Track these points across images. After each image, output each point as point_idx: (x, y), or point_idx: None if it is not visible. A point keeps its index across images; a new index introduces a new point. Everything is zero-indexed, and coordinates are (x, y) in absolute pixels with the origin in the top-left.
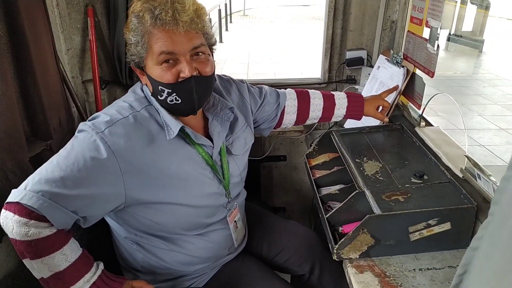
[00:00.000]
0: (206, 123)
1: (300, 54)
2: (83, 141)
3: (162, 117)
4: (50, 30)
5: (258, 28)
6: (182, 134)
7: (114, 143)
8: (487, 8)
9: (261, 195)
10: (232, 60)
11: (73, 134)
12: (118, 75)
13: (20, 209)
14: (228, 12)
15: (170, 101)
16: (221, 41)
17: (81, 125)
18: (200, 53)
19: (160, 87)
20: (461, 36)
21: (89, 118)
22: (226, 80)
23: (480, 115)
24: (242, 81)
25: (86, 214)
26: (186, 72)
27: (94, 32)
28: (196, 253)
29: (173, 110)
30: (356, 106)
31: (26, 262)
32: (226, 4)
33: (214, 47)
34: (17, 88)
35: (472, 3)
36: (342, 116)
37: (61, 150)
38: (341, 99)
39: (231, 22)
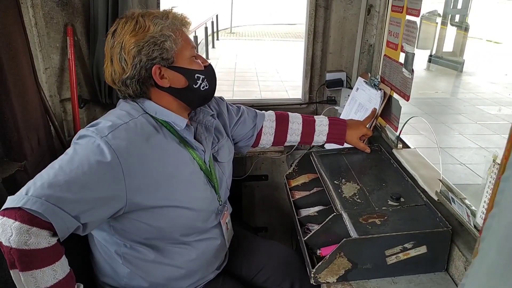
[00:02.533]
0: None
1: (286, 73)
2: (87, 146)
3: (163, 118)
4: (28, 49)
5: (245, 46)
6: (177, 139)
7: (118, 147)
8: (466, 29)
9: (243, 215)
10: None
11: (52, 153)
12: (97, 94)
13: (22, 215)
14: (215, 30)
15: (203, 87)
16: (207, 58)
17: (83, 131)
18: None
19: (197, 74)
20: (442, 57)
21: (88, 125)
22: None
23: (460, 134)
24: (221, 98)
25: (88, 220)
26: (207, 61)
27: (73, 51)
28: (185, 265)
29: (204, 98)
30: (338, 134)
31: (14, 273)
32: (212, 22)
33: None
34: None
35: (452, 24)
36: (322, 142)
37: (62, 156)
38: (322, 125)
39: (217, 39)
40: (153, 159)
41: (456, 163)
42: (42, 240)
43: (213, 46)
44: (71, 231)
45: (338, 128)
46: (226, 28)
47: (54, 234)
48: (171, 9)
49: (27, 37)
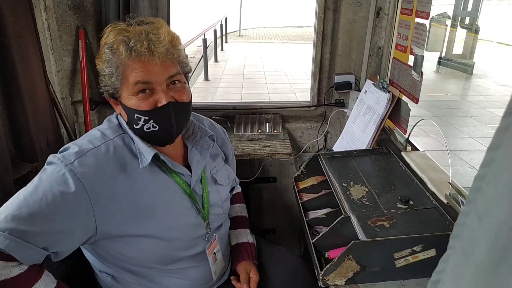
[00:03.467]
0: (186, 152)
1: (294, 75)
2: (52, 175)
3: (136, 145)
4: (40, 52)
5: (253, 48)
6: (158, 163)
7: (83, 175)
8: (476, 31)
9: (251, 217)
10: (225, 81)
11: None
12: None
13: None
14: (224, 32)
15: (147, 128)
16: (216, 60)
17: (50, 157)
18: (176, 82)
19: (136, 115)
20: (451, 59)
21: (60, 150)
22: (213, 122)
23: (470, 137)
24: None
25: (57, 249)
26: (163, 101)
27: (85, 53)
28: None
29: (150, 139)
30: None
31: None
32: (221, 25)
33: (189, 75)
34: (3, 110)
35: (461, 27)
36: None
37: (28, 185)
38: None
39: (226, 42)
40: (125, 188)
41: (466, 166)
42: (11, 269)
43: (222, 49)
44: (41, 260)
45: (247, 249)
46: (235, 31)
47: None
48: (129, 26)
49: (39, 40)
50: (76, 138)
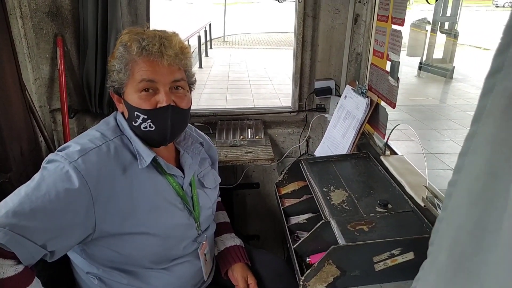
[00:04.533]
0: (177, 155)
1: (279, 80)
2: (55, 172)
3: (134, 146)
4: (15, 59)
5: (238, 54)
6: (154, 164)
7: (87, 172)
8: (455, 36)
9: (235, 224)
10: (210, 87)
11: (37, 164)
12: (88, 103)
13: None
14: (208, 39)
15: (144, 127)
16: (200, 66)
17: (51, 156)
18: (179, 88)
19: (136, 112)
20: (432, 64)
21: (58, 149)
22: (197, 130)
23: (451, 140)
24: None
25: (55, 247)
26: (163, 102)
27: (63, 61)
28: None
29: (146, 138)
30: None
31: None
32: (206, 31)
33: (193, 86)
34: None
35: (441, 32)
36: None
37: (29, 182)
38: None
39: (211, 48)
40: (124, 187)
41: (447, 169)
42: (7, 269)
43: (206, 55)
44: (37, 259)
45: (237, 252)
46: (219, 37)
47: (20, 261)
48: (145, 30)
49: (14, 48)
50: (55, 147)
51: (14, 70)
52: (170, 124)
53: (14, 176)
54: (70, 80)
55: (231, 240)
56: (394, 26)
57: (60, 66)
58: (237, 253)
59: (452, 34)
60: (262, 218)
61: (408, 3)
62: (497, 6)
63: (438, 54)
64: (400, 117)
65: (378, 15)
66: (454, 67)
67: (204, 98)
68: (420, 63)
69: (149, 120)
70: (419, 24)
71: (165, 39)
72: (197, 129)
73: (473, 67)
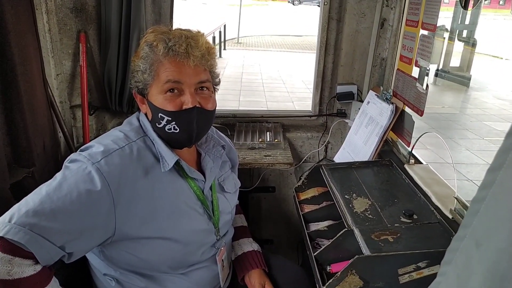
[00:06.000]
0: (198, 158)
1: (292, 84)
2: (77, 172)
3: (157, 148)
4: (40, 55)
5: (251, 56)
6: (176, 167)
7: (109, 174)
8: (473, 45)
9: (249, 227)
10: (223, 88)
11: (58, 160)
12: (108, 101)
13: (3, 244)
14: (222, 39)
15: (168, 129)
16: None
17: (74, 155)
18: (205, 89)
19: (160, 114)
20: (449, 72)
21: (81, 148)
22: (218, 131)
23: (468, 150)
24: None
25: (74, 249)
26: (189, 104)
27: (85, 57)
28: None
29: (169, 140)
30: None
31: None
32: (220, 32)
33: (217, 87)
34: (0, 113)
35: (459, 40)
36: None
37: (50, 181)
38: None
39: (224, 49)
40: (145, 190)
41: (463, 179)
42: (26, 269)
43: (220, 56)
44: (55, 260)
45: (254, 258)
46: (234, 38)
47: (38, 261)
48: (170, 30)
49: (40, 43)
50: (73, 143)
51: (39, 65)
52: (195, 126)
53: (37, 171)
54: (91, 77)
55: (249, 245)
56: (424, 32)
57: (82, 63)
58: (254, 258)
59: (470, 42)
60: (276, 222)
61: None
62: None
63: (455, 62)
64: (416, 125)
65: (407, 19)
66: (471, 75)
67: (217, 99)
68: (437, 70)
69: (174, 122)
70: (437, 32)
71: (191, 39)
72: (217, 130)
73: (490, 77)
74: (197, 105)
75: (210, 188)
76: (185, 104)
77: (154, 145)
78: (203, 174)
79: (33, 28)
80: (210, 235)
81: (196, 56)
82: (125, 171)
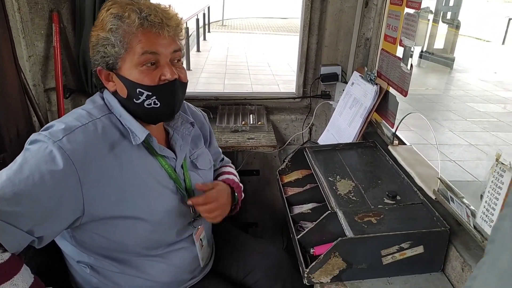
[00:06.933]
0: (167, 136)
1: (277, 67)
2: (38, 153)
3: (126, 124)
4: (10, 35)
5: (236, 39)
6: (145, 145)
7: (73, 152)
8: (457, 27)
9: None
10: (207, 71)
11: None
12: (84, 83)
13: None
14: (207, 22)
15: (147, 104)
16: (198, 50)
17: (34, 136)
18: (178, 60)
19: (138, 89)
20: (433, 54)
21: (42, 128)
22: (190, 105)
23: (451, 131)
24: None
25: (43, 233)
26: (168, 75)
27: (58, 38)
28: (156, 277)
29: (147, 116)
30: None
31: None
32: (204, 14)
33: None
34: None
35: (443, 22)
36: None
37: (11, 164)
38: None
39: (209, 31)
40: (114, 168)
41: (446, 160)
42: None
43: (204, 38)
44: (24, 245)
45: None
46: (218, 21)
47: (6, 249)
48: (146, 3)
49: (9, 23)
50: None
51: (9, 47)
52: (176, 99)
53: (9, 158)
54: (66, 59)
55: (231, 175)
56: (408, 10)
57: (56, 44)
58: (229, 178)
59: (454, 25)
60: (261, 206)
61: None
62: None
63: (439, 44)
64: (400, 106)
65: None
66: (455, 57)
67: (202, 82)
68: (421, 52)
69: (154, 97)
70: (421, 13)
71: (162, 10)
72: (189, 104)
73: (473, 59)
74: (177, 78)
75: (181, 167)
76: (164, 76)
77: (120, 122)
78: (174, 152)
79: (1, 7)
80: (185, 214)
81: (171, 26)
82: (90, 148)
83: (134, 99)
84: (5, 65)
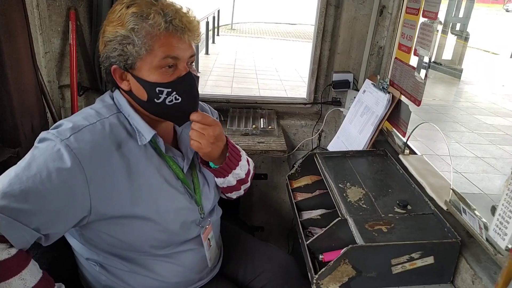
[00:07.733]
0: (175, 136)
1: (285, 72)
2: (46, 151)
3: (133, 123)
4: (28, 31)
5: (245, 43)
6: (153, 145)
7: (80, 151)
8: (466, 39)
9: (240, 213)
10: (215, 74)
11: None
12: (98, 81)
13: None
14: (216, 25)
15: (169, 102)
16: (207, 53)
17: (43, 134)
18: (191, 63)
19: (158, 88)
20: (441, 64)
21: (52, 127)
22: (201, 104)
23: (457, 142)
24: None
25: (49, 231)
26: (182, 71)
27: (74, 36)
28: (164, 277)
29: (173, 112)
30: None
31: None
32: (214, 17)
33: None
34: None
35: (452, 33)
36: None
37: (19, 162)
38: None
39: (218, 35)
40: (121, 167)
41: (452, 171)
42: (0, 253)
43: (213, 42)
44: (31, 242)
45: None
46: (227, 24)
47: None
48: (169, 5)
49: (28, 19)
50: None
51: (27, 43)
52: (195, 89)
53: (23, 152)
54: (81, 56)
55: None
56: (424, 20)
57: (72, 41)
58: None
59: (463, 36)
60: (268, 210)
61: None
62: (507, 11)
63: (447, 55)
64: None
65: (407, 7)
66: (463, 69)
67: (210, 85)
68: (429, 62)
69: (174, 92)
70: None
71: (183, 12)
72: (201, 103)
73: (481, 71)
74: (189, 70)
75: (189, 167)
76: (178, 72)
77: (128, 121)
78: (182, 152)
79: (21, 3)
80: (194, 214)
81: (192, 31)
82: (97, 147)
83: (155, 99)
84: (23, 60)
